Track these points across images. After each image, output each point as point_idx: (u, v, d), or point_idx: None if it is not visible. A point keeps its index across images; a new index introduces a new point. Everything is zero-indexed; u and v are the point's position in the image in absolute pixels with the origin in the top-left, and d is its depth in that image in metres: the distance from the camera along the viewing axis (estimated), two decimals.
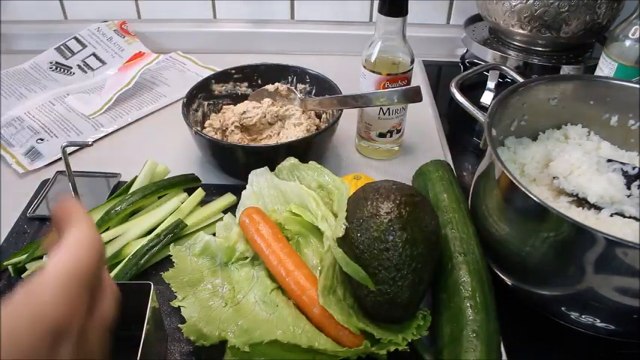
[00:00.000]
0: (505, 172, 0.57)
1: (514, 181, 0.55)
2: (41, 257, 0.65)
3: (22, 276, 0.65)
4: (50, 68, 1.10)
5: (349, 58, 1.00)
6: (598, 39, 1.00)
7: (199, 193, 0.75)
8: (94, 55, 1.13)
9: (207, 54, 1.16)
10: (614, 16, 0.92)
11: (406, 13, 0.75)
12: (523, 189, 0.54)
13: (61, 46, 1.13)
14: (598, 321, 0.56)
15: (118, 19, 1.18)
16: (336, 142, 0.89)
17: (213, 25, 1.20)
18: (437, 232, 0.58)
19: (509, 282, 0.62)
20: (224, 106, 0.89)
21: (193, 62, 1.13)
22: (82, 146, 0.87)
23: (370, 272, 0.54)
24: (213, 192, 0.77)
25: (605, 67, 0.83)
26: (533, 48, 0.98)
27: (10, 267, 0.65)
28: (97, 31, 1.16)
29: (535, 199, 0.53)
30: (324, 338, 0.54)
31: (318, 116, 0.89)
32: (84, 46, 1.14)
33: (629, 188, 0.63)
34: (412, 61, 0.79)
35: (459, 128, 0.96)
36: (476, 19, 1.11)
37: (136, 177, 0.76)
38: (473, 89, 1.01)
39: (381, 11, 0.75)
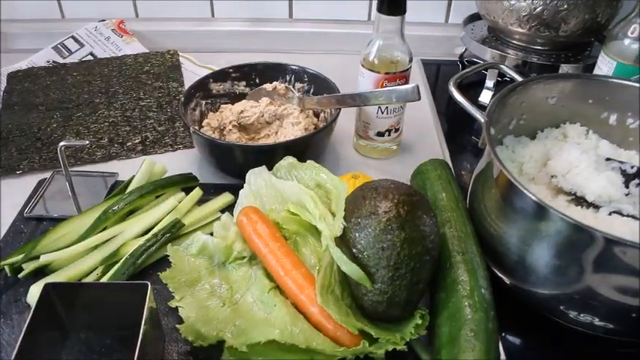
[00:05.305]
0: (503, 171, 0.56)
1: (512, 180, 0.55)
2: (37, 257, 0.65)
3: (19, 276, 0.65)
4: None
5: (347, 57, 1.00)
6: (597, 38, 1.00)
7: (197, 193, 0.74)
8: (91, 54, 1.13)
9: (205, 53, 1.16)
10: (613, 14, 0.92)
11: (404, 11, 0.75)
12: (521, 188, 0.54)
13: (59, 45, 1.13)
14: (596, 320, 0.56)
15: (115, 18, 1.18)
16: (334, 141, 0.89)
17: (211, 24, 1.20)
18: (435, 231, 0.57)
19: (507, 281, 0.62)
20: (222, 106, 0.89)
21: (191, 62, 1.13)
22: (80, 146, 0.86)
23: (368, 271, 0.54)
24: (210, 191, 0.76)
25: (604, 66, 0.83)
26: (531, 47, 0.98)
27: (6, 267, 0.65)
28: (95, 30, 1.16)
29: (533, 197, 0.53)
30: (321, 338, 0.54)
31: (316, 115, 0.89)
32: (81, 45, 1.14)
33: (627, 187, 0.63)
34: (410, 60, 0.79)
35: (457, 127, 0.96)
36: (475, 17, 1.10)
37: (134, 176, 0.75)
38: (471, 88, 1.01)
39: (379, 10, 0.75)
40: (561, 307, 0.58)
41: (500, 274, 0.63)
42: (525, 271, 0.59)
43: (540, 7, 0.90)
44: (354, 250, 0.55)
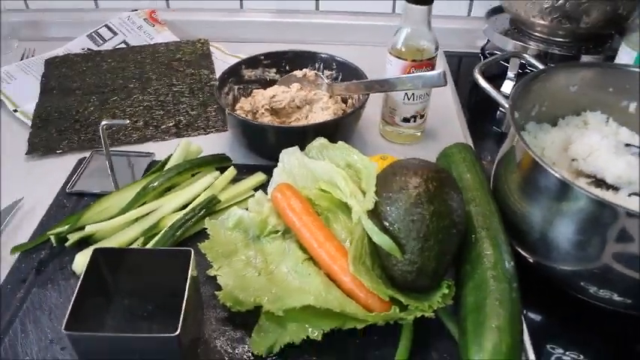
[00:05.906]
0: (528, 151, 0.59)
1: (537, 160, 0.57)
2: (81, 228, 0.69)
3: (66, 245, 0.68)
4: None
5: (372, 48, 1.02)
6: (617, 30, 1.01)
7: (231, 172, 0.77)
8: (124, 42, 1.16)
9: (234, 42, 1.19)
10: (635, 6, 0.94)
11: (432, 1, 0.78)
12: (546, 166, 0.57)
13: (93, 34, 1.17)
14: (615, 295, 0.58)
15: (147, 8, 1.22)
16: (361, 127, 0.91)
17: (240, 15, 1.23)
18: (461, 206, 0.60)
19: (529, 258, 0.64)
20: (254, 91, 0.92)
21: (221, 51, 1.16)
22: (120, 126, 0.90)
23: (398, 243, 0.57)
24: (243, 171, 0.79)
25: (625, 56, 0.85)
26: (553, 38, 1.00)
27: (52, 237, 0.69)
28: (128, 19, 1.19)
29: (558, 175, 0.55)
30: (354, 304, 0.57)
31: (344, 101, 0.92)
32: (115, 33, 1.17)
33: None
34: (437, 49, 0.82)
35: (479, 117, 0.98)
36: (497, 10, 1.13)
37: (171, 155, 0.79)
38: (492, 80, 1.03)
39: None
40: (582, 283, 0.60)
41: (522, 252, 0.65)
42: (547, 248, 0.61)
43: (562, 0, 0.92)
44: (385, 223, 0.58)
